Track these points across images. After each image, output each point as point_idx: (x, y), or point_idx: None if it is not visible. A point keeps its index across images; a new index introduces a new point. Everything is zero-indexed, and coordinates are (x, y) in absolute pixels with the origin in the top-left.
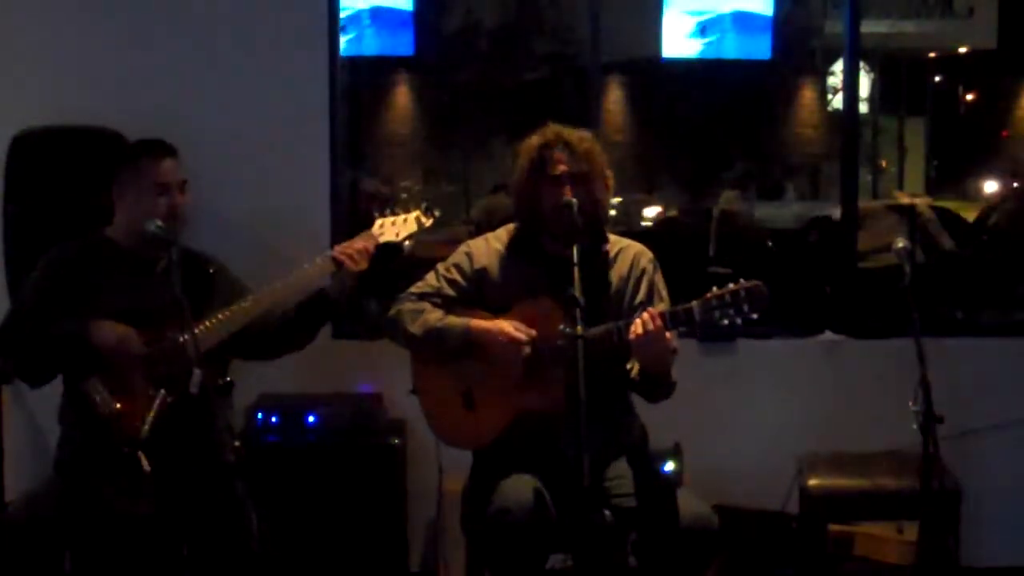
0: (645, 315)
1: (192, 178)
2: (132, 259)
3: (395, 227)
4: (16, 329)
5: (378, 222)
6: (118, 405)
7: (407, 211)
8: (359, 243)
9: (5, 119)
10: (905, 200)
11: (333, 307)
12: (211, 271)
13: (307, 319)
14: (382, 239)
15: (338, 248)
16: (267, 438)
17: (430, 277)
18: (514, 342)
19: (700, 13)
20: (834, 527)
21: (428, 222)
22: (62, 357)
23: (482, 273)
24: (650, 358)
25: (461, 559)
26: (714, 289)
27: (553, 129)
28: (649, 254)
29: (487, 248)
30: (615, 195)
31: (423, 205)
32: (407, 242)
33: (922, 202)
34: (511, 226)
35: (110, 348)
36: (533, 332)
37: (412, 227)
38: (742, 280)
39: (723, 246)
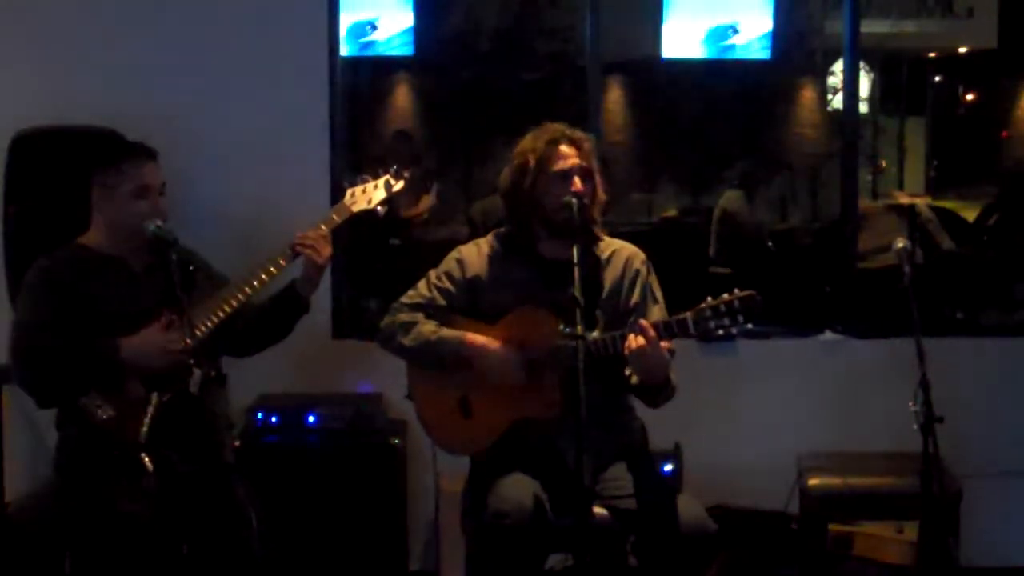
0: (639, 330)
1: (192, 178)
2: (112, 264)
3: (366, 194)
4: (36, 342)
5: (348, 192)
6: (112, 412)
7: (376, 177)
8: (315, 232)
9: (5, 119)
10: (905, 200)
11: (302, 300)
12: (191, 268)
13: (280, 312)
14: (355, 208)
15: (297, 238)
16: (267, 438)
17: (421, 286)
18: (507, 367)
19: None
20: (834, 527)
21: (397, 185)
22: (89, 375)
23: (474, 280)
24: (647, 368)
25: (461, 559)
26: (708, 299)
27: (556, 127)
28: (642, 255)
29: (478, 254)
30: (610, 196)
31: (392, 169)
32: (380, 207)
33: (922, 202)
34: (501, 230)
35: (152, 359)
36: (521, 363)
37: (383, 192)
38: (736, 290)
39: (723, 246)
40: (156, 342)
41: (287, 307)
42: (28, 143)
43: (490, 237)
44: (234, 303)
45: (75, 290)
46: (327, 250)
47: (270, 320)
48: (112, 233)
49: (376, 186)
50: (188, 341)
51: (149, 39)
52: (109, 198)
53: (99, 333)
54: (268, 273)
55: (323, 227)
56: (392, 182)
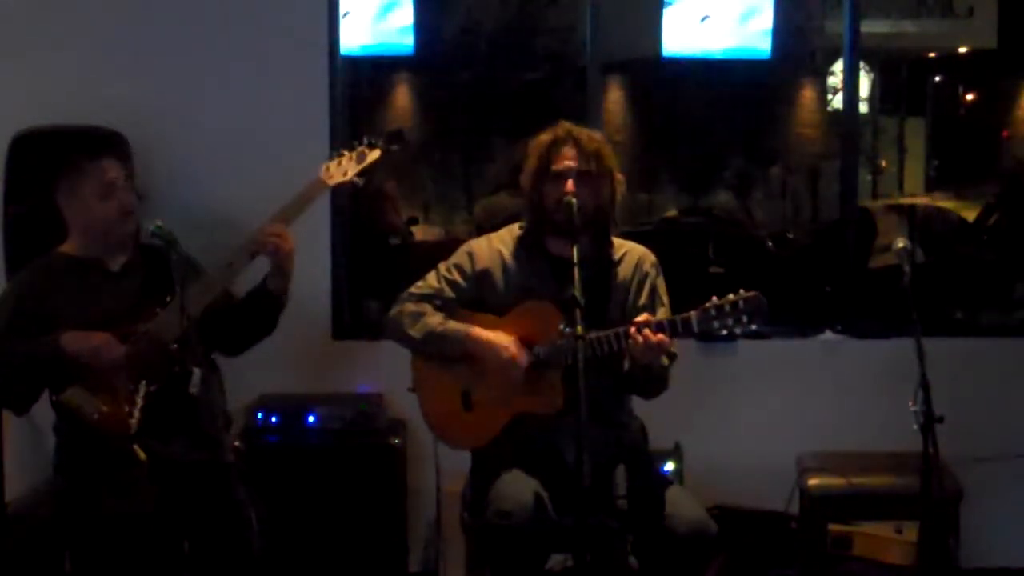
0: (646, 330)
1: (191, 177)
2: (88, 266)
3: (341, 167)
4: None
5: (323, 167)
6: (103, 407)
7: (351, 150)
8: (272, 226)
9: (5, 119)
10: (906, 201)
11: (274, 295)
12: (172, 258)
13: (256, 308)
14: (332, 182)
15: (256, 238)
16: (267, 438)
17: (431, 277)
18: (512, 360)
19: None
20: (834, 527)
21: (372, 154)
22: (37, 375)
23: (484, 274)
24: (646, 361)
25: (461, 559)
26: (713, 299)
27: (564, 126)
28: (652, 258)
29: (489, 248)
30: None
31: (365, 139)
32: (357, 179)
33: (922, 202)
34: (515, 226)
35: (90, 356)
36: (525, 359)
37: (356, 163)
38: (741, 291)
39: (723, 246)
40: (95, 341)
41: (262, 303)
42: (28, 143)
43: (503, 232)
44: (211, 295)
45: (50, 299)
46: (287, 243)
47: (250, 316)
48: (85, 237)
49: (350, 158)
50: (183, 325)
51: (149, 39)
52: (75, 203)
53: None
54: (235, 269)
55: (292, 214)
56: (366, 152)
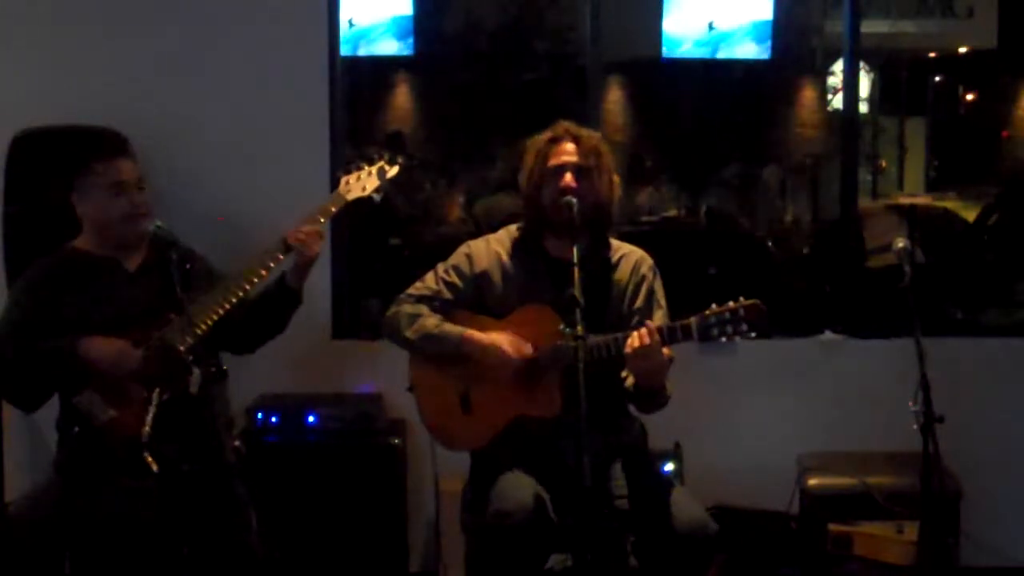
0: (643, 329)
1: (191, 177)
2: (105, 265)
3: (360, 182)
4: (1, 355)
5: (343, 180)
6: (114, 412)
7: (371, 164)
8: (309, 227)
9: (5, 119)
10: (905, 200)
11: (293, 293)
12: (188, 267)
13: (273, 306)
14: (350, 196)
15: (291, 233)
16: (267, 438)
17: (429, 279)
18: (507, 360)
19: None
20: (834, 527)
21: (392, 171)
22: (53, 378)
23: (482, 276)
24: (644, 371)
25: (461, 559)
26: (713, 306)
27: (564, 125)
28: (650, 261)
29: (487, 250)
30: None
31: (386, 155)
32: (376, 195)
33: (922, 202)
34: (512, 227)
35: (108, 365)
36: (530, 350)
37: (376, 179)
38: (742, 299)
39: (722, 245)
40: (115, 348)
41: (279, 301)
42: (28, 143)
43: (501, 233)
44: (233, 300)
45: (59, 296)
46: (317, 245)
47: (264, 315)
48: (99, 233)
49: (370, 173)
50: (189, 341)
51: (149, 39)
52: (87, 199)
53: (85, 334)
54: (266, 268)
55: (320, 219)
56: (387, 168)
